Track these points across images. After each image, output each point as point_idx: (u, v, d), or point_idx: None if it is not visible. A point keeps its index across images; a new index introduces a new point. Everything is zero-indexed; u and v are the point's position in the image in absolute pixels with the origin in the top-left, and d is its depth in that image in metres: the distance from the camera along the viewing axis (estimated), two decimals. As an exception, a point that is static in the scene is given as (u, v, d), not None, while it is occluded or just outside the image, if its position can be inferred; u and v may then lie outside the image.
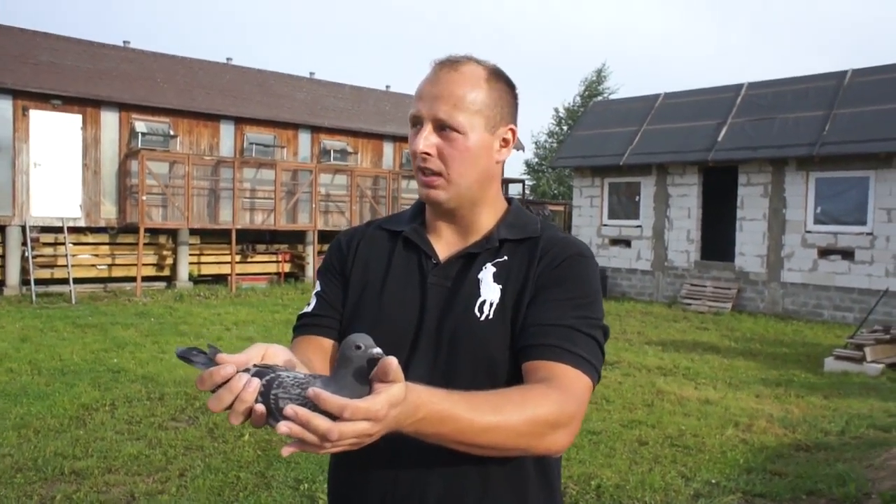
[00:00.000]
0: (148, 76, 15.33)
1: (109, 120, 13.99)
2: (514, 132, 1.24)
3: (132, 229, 13.76)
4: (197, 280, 14.79)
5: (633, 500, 3.94)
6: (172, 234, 14.44)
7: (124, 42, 16.51)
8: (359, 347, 0.87)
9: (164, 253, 14.45)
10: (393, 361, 0.83)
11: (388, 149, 18.52)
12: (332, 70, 72.07)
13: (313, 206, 15.60)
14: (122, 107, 14.09)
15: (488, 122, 1.19)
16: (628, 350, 8.87)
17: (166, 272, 14.50)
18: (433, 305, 1.18)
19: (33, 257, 12.51)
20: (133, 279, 13.37)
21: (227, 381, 0.87)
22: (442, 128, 1.16)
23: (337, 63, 74.45)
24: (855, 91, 12.51)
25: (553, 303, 1.13)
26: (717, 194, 14.15)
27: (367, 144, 18.08)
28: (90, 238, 13.85)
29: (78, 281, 12.82)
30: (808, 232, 12.37)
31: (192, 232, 14.66)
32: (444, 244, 1.25)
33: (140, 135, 14.11)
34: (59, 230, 13.13)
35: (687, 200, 14.12)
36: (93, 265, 13.73)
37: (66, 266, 12.63)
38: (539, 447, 1.02)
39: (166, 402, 5.73)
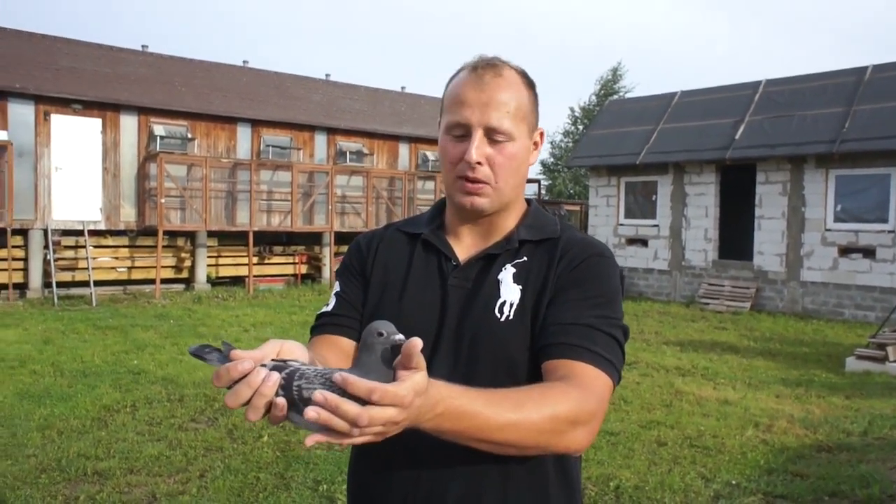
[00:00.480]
0: (166, 80, 15.49)
1: (129, 124, 14.15)
2: (542, 135, 1.26)
3: (151, 232, 13.91)
4: (215, 282, 14.92)
5: (652, 501, 3.92)
6: (191, 236, 14.58)
7: (142, 46, 16.70)
8: (381, 334, 0.87)
9: (183, 255, 14.59)
10: (417, 344, 0.82)
11: (403, 150, 18.55)
12: (347, 72, 72.42)
13: (329, 207, 15.67)
14: (141, 110, 14.25)
15: (529, 128, 1.21)
16: (646, 350, 8.82)
17: (185, 274, 14.64)
18: (453, 306, 1.19)
19: (55, 260, 12.68)
20: (152, 281, 13.51)
21: (245, 376, 0.84)
22: (491, 135, 1.16)
23: (352, 65, 74.79)
24: (875, 87, 12.34)
25: (572, 302, 1.13)
26: (735, 193, 14.03)
27: (383, 146, 18.13)
28: (110, 241, 14.01)
29: (98, 283, 12.98)
30: (828, 230, 12.23)
31: (210, 234, 14.79)
32: (464, 246, 1.25)
33: (158, 138, 14.26)
34: (79, 233, 13.30)
35: (704, 199, 14.01)
36: (113, 268, 13.90)
37: (87, 269, 12.79)
38: (559, 445, 1.02)
39: (186, 403, 5.79)
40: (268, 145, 15.89)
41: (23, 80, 13.00)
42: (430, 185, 17.91)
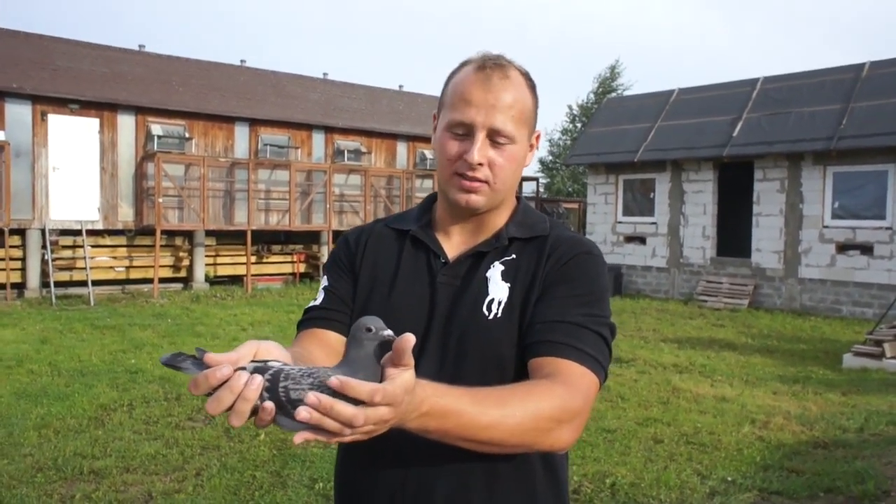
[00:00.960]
0: (163, 79, 15.48)
1: (126, 123, 14.14)
2: (539, 137, 1.26)
3: (149, 231, 13.90)
4: (213, 281, 14.92)
5: (648, 498, 3.93)
6: (188, 235, 14.57)
7: (139, 46, 16.68)
8: (370, 330, 0.86)
9: (181, 254, 14.58)
10: (410, 341, 0.81)
11: (401, 148, 18.55)
12: (345, 70, 72.35)
13: (328, 206, 15.67)
14: (139, 110, 14.24)
15: (530, 131, 1.21)
16: (644, 347, 8.83)
17: (183, 273, 14.64)
18: (442, 304, 1.19)
19: (53, 260, 12.68)
20: (150, 281, 13.51)
21: (225, 381, 0.82)
22: (494, 137, 1.15)
23: (350, 64, 74.71)
24: (873, 83, 12.35)
25: (560, 300, 1.13)
26: (733, 190, 14.04)
27: (381, 144, 18.12)
28: (108, 240, 14.01)
29: (96, 283, 12.97)
30: (826, 227, 12.24)
31: (208, 233, 14.78)
32: (453, 243, 1.25)
33: (156, 137, 14.25)
34: (77, 233, 13.29)
35: (702, 196, 14.02)
36: (111, 267, 13.89)
37: (85, 268, 12.78)
38: (543, 443, 1.02)
39: (183, 402, 5.79)
40: (265, 144, 15.88)
41: (20, 79, 12.98)
42: (427, 183, 17.90)
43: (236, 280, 15.11)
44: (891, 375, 7.44)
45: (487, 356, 1.14)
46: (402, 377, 0.82)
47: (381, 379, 0.83)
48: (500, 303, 1.16)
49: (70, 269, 13.15)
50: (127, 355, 7.73)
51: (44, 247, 12.85)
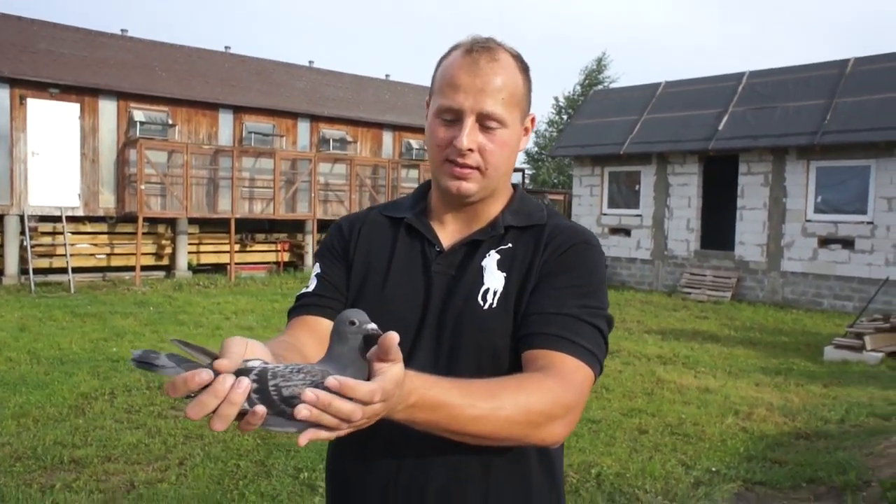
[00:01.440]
0: (146, 65, 15.26)
1: (107, 109, 13.92)
2: (533, 120, 1.22)
3: (131, 218, 13.73)
4: (196, 269, 14.78)
5: (633, 488, 3.94)
6: (171, 223, 14.41)
7: (122, 30, 16.44)
8: (353, 323, 0.84)
9: (163, 242, 14.43)
10: (394, 339, 0.79)
11: (387, 138, 18.45)
12: (331, 59, 71.83)
13: (312, 195, 15.56)
14: (121, 95, 14.02)
15: (522, 114, 1.18)
16: (628, 339, 8.87)
17: (165, 261, 14.48)
18: (437, 293, 1.16)
19: (32, 247, 12.48)
20: (132, 268, 13.35)
21: (206, 385, 0.76)
22: (484, 122, 1.12)
23: (336, 52, 74.15)
24: (857, 80, 12.45)
25: (556, 291, 1.11)
26: (718, 183, 14.12)
27: (367, 133, 18.02)
28: (89, 227, 13.82)
29: (76, 270, 12.80)
30: (809, 221, 12.35)
31: (191, 221, 14.63)
32: (448, 231, 1.22)
33: (138, 123, 14.05)
34: (57, 219, 13.09)
35: (687, 189, 14.09)
36: (91, 254, 13.71)
37: (65, 255, 12.60)
38: (534, 437, 1.00)
39: (165, 391, 5.71)
40: (250, 132, 15.72)
41: (-2, 62, 12.73)
42: (413, 173, 17.83)
43: (219, 268, 14.98)
44: (871, 368, 7.53)
45: (482, 347, 1.11)
46: (392, 371, 0.80)
47: (368, 373, 0.81)
48: (495, 293, 1.13)
49: (50, 255, 12.96)
50: (108, 343, 7.63)
51: (22, 233, 12.65)
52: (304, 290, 1.24)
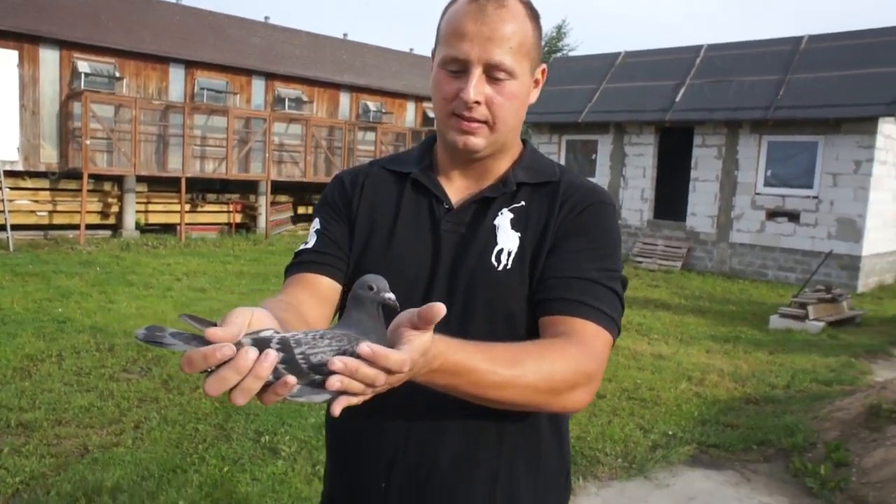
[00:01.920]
0: (91, 13, 14.50)
1: (49, 58, 13.23)
2: (545, 72, 1.16)
3: (75, 175, 13.17)
4: (144, 229, 14.33)
5: (594, 451, 4.02)
6: (118, 180, 13.89)
7: (64, -25, 15.54)
8: (371, 288, 0.82)
9: (110, 200, 13.91)
10: (440, 311, 0.78)
11: (344, 99, 18.10)
12: (287, 15, 69.70)
13: (266, 155, 15.19)
14: (63, 44, 13.33)
15: (532, 65, 1.12)
16: (583, 306, 8.98)
17: (112, 220, 13.99)
18: (447, 253, 1.11)
19: (-32, 202, 11.88)
20: (76, 227, 12.85)
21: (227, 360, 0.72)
22: (491, 72, 1.06)
23: (293, 8, 72.00)
24: (810, 57, 12.70)
25: (574, 254, 1.08)
26: (673, 154, 14.32)
27: (323, 94, 17.62)
28: (29, 183, 13.21)
29: (16, 227, 12.25)
30: (758, 194, 12.66)
31: (139, 179, 14.13)
32: (456, 188, 1.17)
33: (83, 75, 13.41)
34: (-5, 174, 12.47)
35: (643, 160, 14.25)
36: (32, 211, 13.13)
37: (3, 211, 12.04)
38: (556, 405, 0.99)
39: (117, 353, 5.55)
40: (202, 88, 15.20)
41: (-72, 3, 11.93)
42: (370, 136, 17.56)
43: (169, 228, 14.56)
44: (813, 336, 7.84)
45: (496, 309, 1.08)
46: (421, 340, 0.79)
47: (386, 339, 0.80)
48: (509, 253, 1.09)
49: (-13, 212, 12.36)
50: (53, 304, 7.35)
51: (-43, 187, 12.02)
52: (302, 247, 1.18)
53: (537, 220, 1.11)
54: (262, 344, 0.75)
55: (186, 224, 14.15)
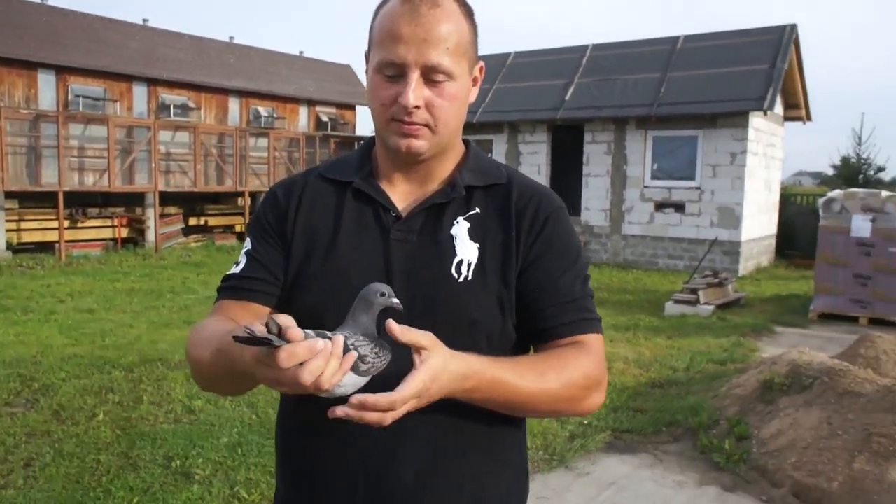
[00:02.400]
0: (-58, 15, 13.26)
1: None
2: (482, 69, 1.14)
3: (-67, 193, 11.99)
4: (17, 249, 13.23)
5: (515, 446, 4.06)
6: (-15, 197, 12.76)
7: None
8: (383, 294, 0.92)
9: (-24, 219, 12.76)
10: (426, 339, 0.88)
11: (233, 105, 17.49)
12: (168, 18, 66.50)
13: (153, 165, 14.41)
14: (-89, 50, 12.10)
15: (470, 64, 1.09)
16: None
17: (-21, 241, 12.83)
18: (399, 263, 1.07)
19: None
20: (-62, 250, 11.69)
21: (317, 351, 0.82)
22: (430, 75, 1.03)
23: (174, 10, 68.89)
24: (686, 56, 13.49)
25: (558, 277, 1.10)
26: (565, 151, 14.80)
27: (211, 100, 16.96)
28: None
29: None
30: (646, 187, 13.31)
31: (9, 195, 13.04)
32: (400, 192, 1.13)
33: (-63, 83, 12.22)
34: None
35: (537, 157, 14.64)
36: None
37: None
38: (576, 410, 1.08)
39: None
40: (77, 95, 14.24)
41: None
42: (262, 142, 17.03)
43: (46, 247, 13.51)
44: (705, 319, 8.32)
45: (459, 320, 1.05)
46: (427, 365, 0.87)
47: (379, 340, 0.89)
48: (469, 264, 1.07)
49: None
50: (-83, 336, 6.64)
51: None
52: (231, 271, 1.13)
53: (495, 229, 1.10)
54: (324, 338, 0.86)
55: (67, 241, 13.19)
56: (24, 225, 13.47)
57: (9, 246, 13.01)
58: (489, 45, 57.50)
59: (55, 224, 13.18)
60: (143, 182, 14.67)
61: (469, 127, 15.17)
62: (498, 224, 1.10)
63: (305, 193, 1.14)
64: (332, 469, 1.05)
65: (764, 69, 12.39)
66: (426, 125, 1.05)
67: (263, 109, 18.03)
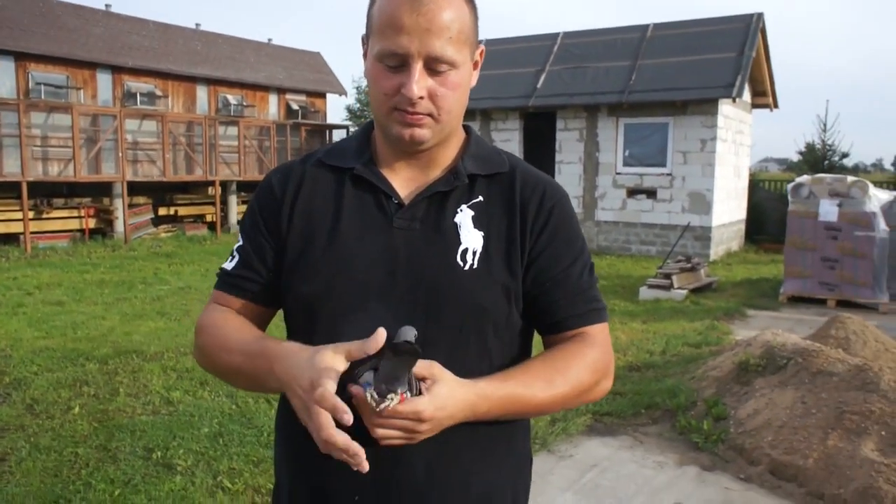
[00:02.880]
0: None
1: None
2: (483, 53, 1.12)
3: None
4: (-20, 241, 12.89)
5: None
6: (-56, 188, 12.38)
7: None
8: (409, 343, 0.92)
9: (-65, 211, 12.38)
10: (428, 370, 0.93)
11: (201, 92, 17.19)
12: (132, 4, 65.05)
13: (120, 154, 14.11)
14: None
15: (471, 50, 1.08)
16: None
17: (-61, 234, 12.47)
18: (403, 251, 1.06)
19: None
20: None
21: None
22: (433, 65, 1.01)
23: (132, -3, 67.31)
24: (656, 44, 13.59)
25: (566, 268, 1.12)
26: (538, 139, 14.85)
27: (179, 88, 16.64)
28: None
29: None
30: (619, 174, 13.43)
31: (-29, 186, 12.68)
32: (402, 180, 1.11)
33: None
34: None
35: (510, 145, 14.65)
36: None
37: None
38: (587, 400, 1.13)
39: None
40: (38, 83, 13.85)
41: None
42: (232, 130, 16.79)
43: (10, 239, 13.17)
44: (679, 304, 8.44)
45: (465, 309, 1.05)
46: (432, 394, 0.92)
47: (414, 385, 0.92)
48: (474, 252, 1.07)
49: None
50: None
51: None
52: (224, 266, 1.15)
53: (499, 218, 1.10)
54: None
55: (32, 233, 12.88)
56: (-14, 217, 13.11)
57: (-29, 238, 12.66)
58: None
59: (19, 215, 12.84)
60: (110, 172, 14.36)
61: (442, 115, 15.13)
62: (502, 212, 1.10)
63: (304, 180, 1.13)
64: (342, 464, 1.04)
65: (732, 57, 12.55)
66: (429, 115, 1.04)
67: (232, 97, 17.76)
